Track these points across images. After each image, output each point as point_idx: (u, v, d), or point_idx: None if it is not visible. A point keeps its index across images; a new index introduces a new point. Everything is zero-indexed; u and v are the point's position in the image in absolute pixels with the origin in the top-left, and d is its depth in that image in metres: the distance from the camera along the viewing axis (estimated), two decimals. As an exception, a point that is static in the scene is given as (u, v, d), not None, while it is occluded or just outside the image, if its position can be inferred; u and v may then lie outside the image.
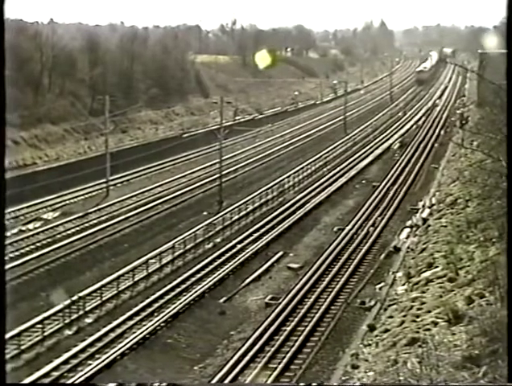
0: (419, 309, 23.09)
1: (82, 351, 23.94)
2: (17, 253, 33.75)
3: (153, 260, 32.24)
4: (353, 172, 54.53)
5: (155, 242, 35.34)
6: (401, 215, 42.48)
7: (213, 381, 21.97)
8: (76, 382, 21.79)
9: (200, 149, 59.86)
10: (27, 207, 41.45)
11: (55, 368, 22.62)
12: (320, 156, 58.20)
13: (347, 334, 25.67)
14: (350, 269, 32.47)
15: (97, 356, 23.62)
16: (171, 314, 27.28)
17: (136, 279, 30.41)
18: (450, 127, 72.82)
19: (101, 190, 46.27)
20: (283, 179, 49.66)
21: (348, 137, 70.21)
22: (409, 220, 39.58)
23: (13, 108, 53.18)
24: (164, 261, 32.72)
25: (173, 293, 29.26)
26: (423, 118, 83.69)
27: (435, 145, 65.70)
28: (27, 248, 34.62)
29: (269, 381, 22.02)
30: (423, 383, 14.20)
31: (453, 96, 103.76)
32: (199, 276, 31.43)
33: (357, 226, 39.73)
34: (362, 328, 25.32)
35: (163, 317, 26.88)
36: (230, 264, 33.11)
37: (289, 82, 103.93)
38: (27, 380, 21.67)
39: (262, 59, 66.63)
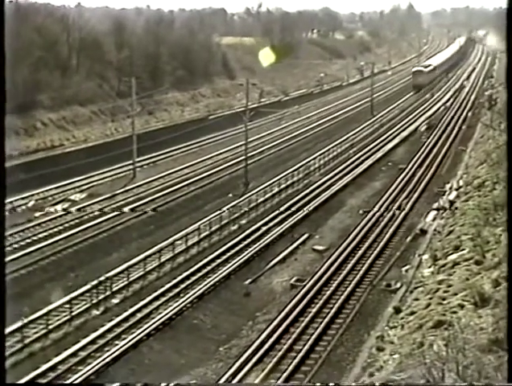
0: (445, 291, 22.99)
1: (109, 330, 24.20)
2: (45, 234, 34.15)
3: (179, 242, 32.40)
4: (379, 154, 54.19)
5: (181, 224, 35.50)
6: (427, 197, 42.19)
7: (238, 362, 22.08)
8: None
9: (225, 131, 59.86)
10: (55, 188, 41.86)
11: (83, 348, 22.93)
12: (346, 138, 57.87)
13: (372, 317, 25.63)
14: (376, 252, 32.37)
15: (123, 336, 23.87)
16: (196, 295, 27.45)
17: (162, 260, 30.61)
18: (478, 109, 71.97)
19: (128, 172, 46.52)
20: (309, 161, 49.52)
21: (374, 118, 69.70)
22: (436, 203, 39.31)
23: (42, 89, 53.68)
24: (190, 243, 32.87)
25: (199, 275, 29.42)
26: (451, 100, 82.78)
27: (463, 127, 65.01)
28: (55, 229, 34.99)
29: (294, 363, 22.10)
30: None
31: (481, 77, 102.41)
32: (224, 257, 31.55)
33: (382, 208, 39.56)
34: (388, 310, 25.27)
35: (188, 298, 27.06)
36: (255, 245, 33.18)
37: (315, 64, 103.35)
38: (56, 359, 21.99)
39: (266, 57, 66.13)
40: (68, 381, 20.78)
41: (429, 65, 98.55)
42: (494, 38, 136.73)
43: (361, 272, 29.89)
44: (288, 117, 69.51)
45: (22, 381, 19.96)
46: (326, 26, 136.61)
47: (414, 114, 72.85)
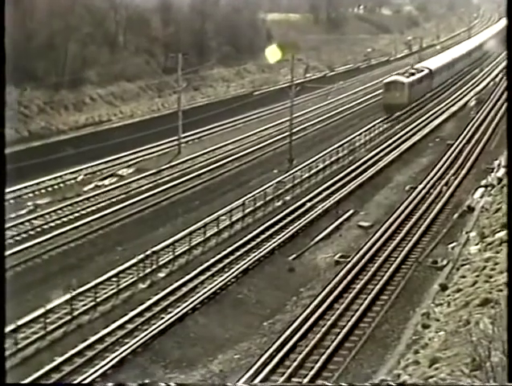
0: (492, 269, 22.70)
1: (155, 304, 24.55)
2: (93, 208, 34.68)
3: (223, 217, 32.57)
4: (426, 130, 53.44)
5: (226, 199, 35.64)
6: (475, 174, 41.51)
7: (282, 337, 22.19)
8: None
9: (270, 107, 59.65)
10: (104, 162, 42.41)
11: (130, 321, 23.31)
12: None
13: (418, 294, 25.48)
14: (422, 228, 32.07)
15: (169, 310, 24.18)
16: (241, 269, 27.63)
17: (207, 235, 30.83)
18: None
19: (174, 148, 46.83)
20: (354, 137, 49.10)
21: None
22: (484, 179, 38.66)
23: (91, 65, 54.20)
24: (234, 218, 33.01)
25: (243, 250, 29.57)
26: (501, 75, 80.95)
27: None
28: (103, 203, 35.50)
29: (338, 339, 22.11)
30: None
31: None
32: (268, 233, 31.62)
33: (429, 185, 39.08)
34: (434, 287, 25.09)
35: (233, 272, 27.26)
36: (300, 221, 33.16)
37: (362, 39, 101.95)
38: (104, 332, 22.41)
39: (272, 54, 65.52)
40: (116, 354, 21.15)
41: (420, 70, 64.44)
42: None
43: (407, 248, 29.67)
44: (334, 92, 68.88)
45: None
46: (373, 1, 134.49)
47: (463, 89, 71.47)
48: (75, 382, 19.29)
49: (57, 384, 18.72)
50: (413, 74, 62.05)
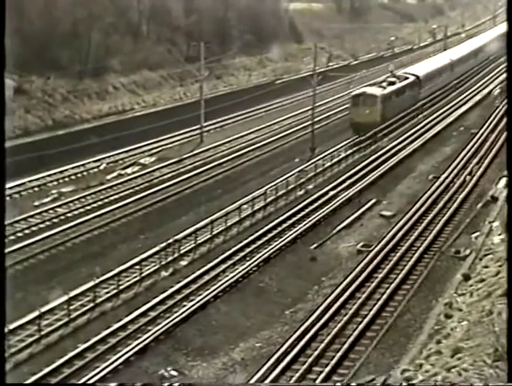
0: (515, 259, 22.49)
1: (177, 292, 24.69)
2: (116, 197, 34.89)
3: (245, 206, 32.62)
4: (450, 118, 53.01)
5: (248, 188, 35.68)
6: (499, 163, 41.07)
7: (304, 326, 22.22)
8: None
9: (292, 96, 59.49)
10: (126, 151, 42.62)
11: (152, 308, 23.47)
12: (416, 102, 56.68)
13: (440, 283, 25.38)
14: (445, 218, 31.88)
15: (191, 298, 24.30)
16: (262, 258, 27.67)
17: (229, 224, 30.90)
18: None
19: (196, 137, 46.91)
20: (377, 126, 48.74)
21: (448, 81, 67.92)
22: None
23: (114, 54, 54.37)
24: (256, 207, 33.04)
25: (265, 239, 29.61)
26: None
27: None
28: (126, 192, 35.70)
29: (359, 328, 22.10)
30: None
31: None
32: (290, 222, 31.62)
33: (453, 174, 38.81)
34: (456, 277, 24.96)
35: (254, 261, 27.31)
36: (322, 210, 33.12)
37: (386, 27, 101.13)
38: (127, 319, 22.58)
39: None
40: (139, 341, 21.32)
41: (404, 78, 53.33)
42: None
43: (430, 238, 29.52)
44: (357, 81, 68.48)
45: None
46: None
47: (488, 77, 70.70)
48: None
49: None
50: (392, 83, 50.83)
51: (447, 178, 38.06)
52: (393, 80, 51.54)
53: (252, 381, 19.09)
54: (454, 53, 70.07)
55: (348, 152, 42.52)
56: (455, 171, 39.38)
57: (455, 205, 33.60)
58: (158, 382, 19.65)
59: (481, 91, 63.94)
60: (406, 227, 30.65)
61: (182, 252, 27.84)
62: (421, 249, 28.32)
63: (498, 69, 76.57)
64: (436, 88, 59.12)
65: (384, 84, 50.12)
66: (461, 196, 34.91)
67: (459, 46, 78.62)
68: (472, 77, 71.06)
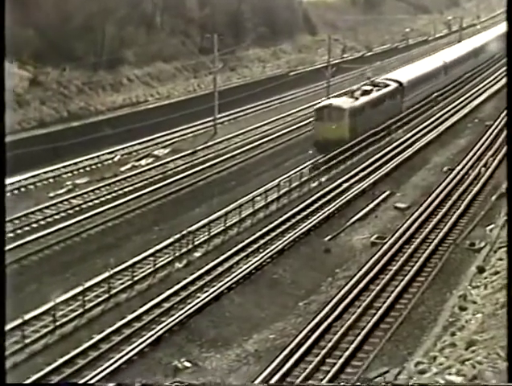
0: (531, 252, 22.35)
1: (191, 283, 24.75)
2: (130, 188, 34.99)
3: (259, 198, 32.61)
4: (465, 110, 52.69)
5: (261, 180, 35.66)
6: (515, 155, 40.83)
7: (317, 318, 22.20)
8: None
9: (306, 87, 59.35)
10: (140, 143, 42.72)
11: (166, 299, 23.54)
12: (431, 93, 56.36)
13: (455, 276, 25.29)
14: (460, 210, 31.73)
15: (205, 289, 24.36)
16: (276, 250, 27.67)
17: (243, 215, 30.92)
18: None
19: (209, 128, 46.92)
20: (392, 117, 48.54)
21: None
22: (524, 161, 38.01)
23: (128, 46, 54.43)
24: (270, 199, 33.03)
25: (278, 230, 29.60)
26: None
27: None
28: (140, 184, 35.80)
29: (373, 320, 22.06)
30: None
31: None
32: (304, 214, 31.59)
33: (467, 166, 38.60)
34: (471, 269, 24.86)
35: (268, 253, 27.31)
36: (336, 202, 33.05)
37: (400, 19, 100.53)
38: (141, 310, 22.67)
39: None
40: (153, 332, 21.40)
41: (384, 85, 47.20)
42: None
43: (444, 230, 29.40)
44: (371, 72, 68.21)
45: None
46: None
47: (504, 69, 70.11)
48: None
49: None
50: (367, 92, 44.32)
51: (461, 169, 37.87)
52: (369, 88, 45.36)
53: (265, 373, 19.09)
54: (450, 53, 64.93)
55: (363, 144, 42.29)
56: (470, 163, 39.17)
57: (469, 197, 33.44)
58: (170, 373, 19.74)
59: (497, 82, 63.43)
60: (420, 220, 30.54)
61: (196, 243, 27.89)
62: (435, 241, 28.22)
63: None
64: (425, 94, 52.53)
65: (357, 93, 43.97)
66: (476, 188, 34.73)
67: (456, 45, 74.10)
68: (474, 77, 68.91)
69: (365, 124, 42.27)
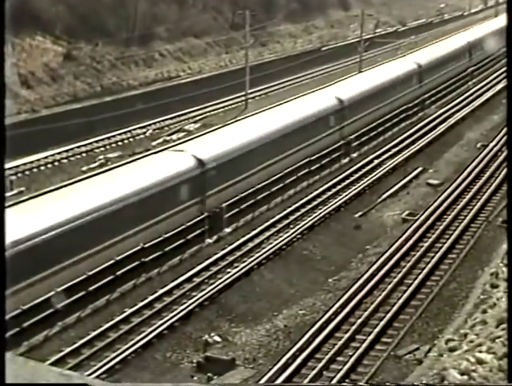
0: None
1: (221, 258, 24.85)
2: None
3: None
4: (500, 85, 51.76)
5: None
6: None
7: (347, 294, 22.17)
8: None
9: (338, 62, 58.78)
10: (171, 118, 42.79)
11: (196, 274, 23.69)
12: (466, 68, 55.46)
13: (487, 253, 25.05)
14: (492, 187, 31.35)
15: (235, 265, 24.45)
16: (306, 226, 27.63)
17: (273, 190, 30.75)
18: None
19: (240, 103, 46.79)
20: (425, 93, 47.94)
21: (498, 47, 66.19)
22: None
23: (160, 22, 54.46)
24: (300, 174, 32.85)
25: (309, 207, 29.52)
26: None
27: None
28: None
29: (404, 296, 21.97)
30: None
31: None
32: (335, 190, 31.46)
33: (501, 142, 38.01)
34: (503, 247, 24.55)
35: (298, 229, 27.28)
36: (367, 179, 32.85)
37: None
38: (172, 285, 22.80)
39: None
40: (183, 306, 21.53)
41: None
42: None
43: (477, 207, 29.10)
44: (405, 47, 67.29)
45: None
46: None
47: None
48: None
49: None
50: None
51: (495, 146, 37.33)
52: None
53: (295, 348, 19.15)
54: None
55: (395, 120, 41.84)
56: (504, 139, 38.57)
57: (503, 173, 32.98)
58: (200, 347, 19.91)
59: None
60: (452, 196, 30.25)
61: (226, 218, 27.90)
62: (468, 218, 27.95)
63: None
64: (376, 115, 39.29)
65: None
66: (510, 165, 34.22)
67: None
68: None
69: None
